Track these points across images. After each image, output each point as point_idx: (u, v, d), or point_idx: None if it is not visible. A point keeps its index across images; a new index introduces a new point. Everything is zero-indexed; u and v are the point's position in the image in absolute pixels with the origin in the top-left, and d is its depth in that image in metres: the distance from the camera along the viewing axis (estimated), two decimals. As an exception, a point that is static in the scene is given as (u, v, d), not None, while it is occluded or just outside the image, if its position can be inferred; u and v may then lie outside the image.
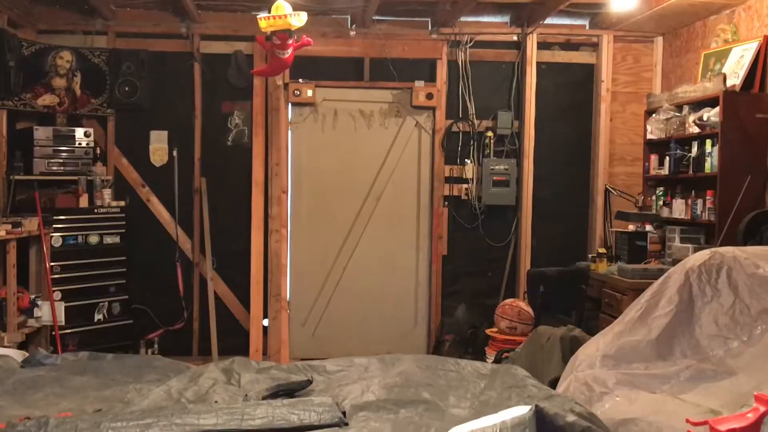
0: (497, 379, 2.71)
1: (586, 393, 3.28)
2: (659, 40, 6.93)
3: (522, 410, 1.87)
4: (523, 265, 6.83)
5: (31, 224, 5.61)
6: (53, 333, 5.76)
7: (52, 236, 5.89)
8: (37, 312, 5.69)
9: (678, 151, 5.85)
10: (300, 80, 6.71)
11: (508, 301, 6.12)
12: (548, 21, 6.69)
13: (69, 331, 5.91)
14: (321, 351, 6.70)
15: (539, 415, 1.84)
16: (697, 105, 5.74)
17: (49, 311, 5.70)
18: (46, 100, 6.33)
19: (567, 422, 1.85)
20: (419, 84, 6.81)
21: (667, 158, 5.99)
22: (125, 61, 6.51)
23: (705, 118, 5.51)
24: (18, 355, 3.84)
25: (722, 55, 5.79)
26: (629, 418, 2.90)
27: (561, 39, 6.98)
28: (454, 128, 6.90)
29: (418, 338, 7.10)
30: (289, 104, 6.83)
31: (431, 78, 6.88)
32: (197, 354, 6.66)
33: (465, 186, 6.92)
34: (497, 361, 5.07)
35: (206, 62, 6.73)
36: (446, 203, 6.94)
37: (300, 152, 6.96)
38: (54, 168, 6.18)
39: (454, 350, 6.51)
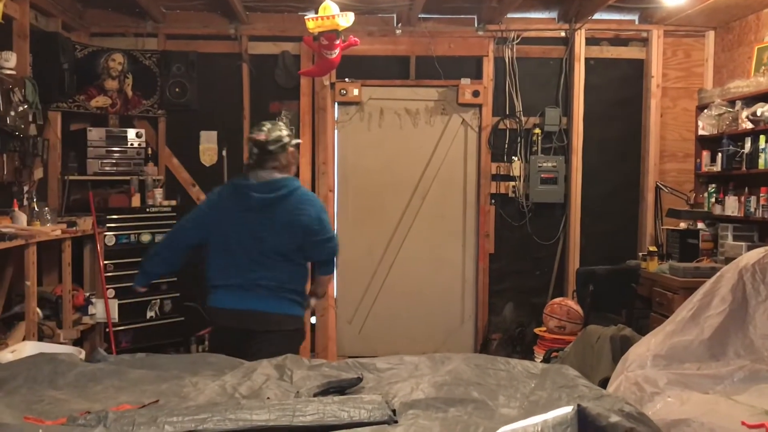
0: (547, 379, 2.69)
1: (636, 393, 3.26)
2: (710, 34, 6.80)
3: (565, 410, 1.86)
4: (572, 263, 6.77)
5: (85, 223, 5.75)
6: (107, 330, 5.89)
7: (105, 235, 6.02)
8: (91, 309, 5.82)
9: (730, 147, 5.75)
10: (346, 80, 6.75)
11: (557, 299, 6.08)
12: (596, 16, 6.61)
13: (122, 328, 6.04)
14: (368, 348, 6.75)
15: (581, 415, 1.82)
16: (751, 100, 5.63)
17: (103, 308, 5.83)
18: (99, 101, 6.48)
19: (609, 423, 1.83)
20: (465, 81, 6.80)
21: (720, 154, 5.90)
22: (175, 62, 6.62)
23: (758, 114, 5.41)
24: (75, 352, 3.94)
25: (777, 49, 5.67)
26: (681, 418, 2.88)
27: (610, 34, 6.90)
28: (501, 125, 6.86)
29: (465, 337, 7.09)
30: (336, 103, 6.87)
31: (477, 75, 6.86)
32: (246, 351, 6.73)
33: (512, 183, 6.89)
34: (546, 360, 5.04)
35: (254, 63, 6.81)
36: (493, 201, 6.92)
37: (346, 151, 7.00)
38: (107, 168, 6.32)
39: (502, 349, 6.50)
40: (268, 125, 3.75)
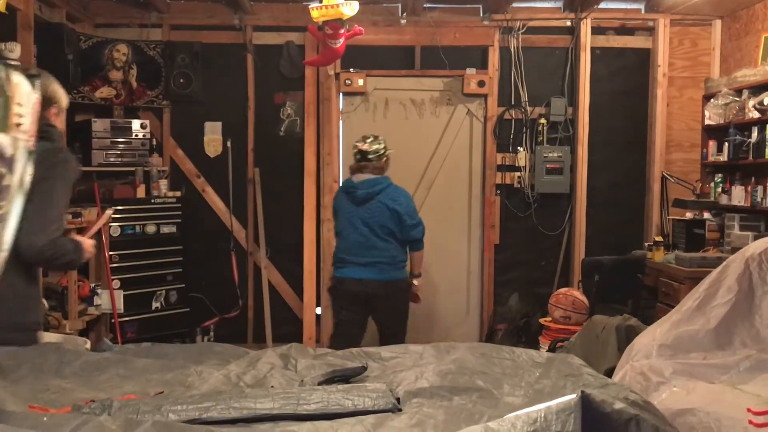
0: (552, 368, 2.68)
1: (642, 383, 3.25)
2: (717, 23, 6.76)
3: (569, 397, 1.85)
4: (578, 253, 6.76)
5: (90, 214, 5.75)
6: (112, 320, 5.91)
7: (110, 226, 6.03)
8: (96, 300, 5.83)
9: (737, 137, 5.73)
10: (351, 70, 6.74)
11: (562, 290, 6.07)
12: (602, 5, 6.59)
13: (128, 318, 6.06)
14: (373, 339, 6.74)
15: (585, 401, 1.81)
16: (758, 89, 5.61)
17: (109, 299, 5.85)
18: (104, 92, 6.48)
19: (614, 409, 1.82)
20: (471, 72, 6.78)
21: (726, 144, 5.87)
22: (180, 53, 6.62)
23: (765, 103, 5.38)
24: (81, 342, 3.94)
25: (784, 38, 5.63)
26: (687, 408, 2.87)
27: (616, 24, 6.87)
28: (507, 116, 6.85)
29: (470, 327, 7.09)
30: (341, 94, 6.86)
31: (483, 65, 6.84)
32: (252, 341, 6.76)
33: (517, 174, 6.87)
34: (551, 350, 5.03)
35: (258, 53, 6.80)
36: (498, 192, 6.90)
37: (351, 142, 6.96)
38: (112, 159, 6.32)
39: (507, 340, 6.49)
40: (370, 139, 4.91)
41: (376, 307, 4.91)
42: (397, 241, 4.86)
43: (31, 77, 2.38)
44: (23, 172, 2.31)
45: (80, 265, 3.37)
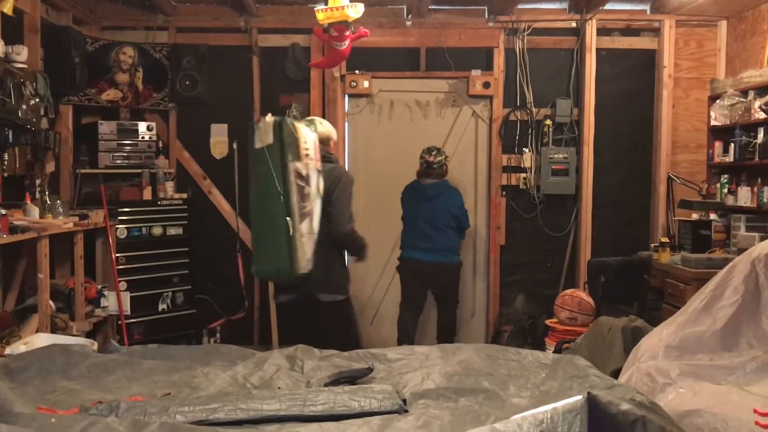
0: (559, 369, 2.69)
1: (648, 384, 3.24)
2: (723, 24, 6.75)
3: (575, 398, 1.86)
4: (583, 254, 6.75)
5: (97, 216, 5.78)
6: (119, 322, 5.92)
7: (117, 228, 6.05)
8: (103, 302, 5.85)
9: (743, 138, 5.71)
10: (357, 72, 6.74)
11: (568, 291, 6.06)
12: (608, 6, 6.58)
13: (134, 320, 6.07)
14: (378, 341, 6.75)
15: (592, 402, 1.82)
16: (763, 90, 5.59)
17: (115, 301, 5.87)
18: (110, 95, 6.50)
19: (620, 410, 1.82)
20: (476, 73, 6.78)
21: (732, 145, 5.85)
22: (186, 55, 6.63)
23: (772, 104, 5.36)
24: (88, 344, 3.96)
25: (790, 38, 5.62)
26: (693, 409, 2.86)
27: (621, 25, 6.86)
28: (512, 117, 6.84)
29: (476, 329, 7.08)
30: (346, 96, 6.87)
31: (488, 67, 6.84)
32: (258, 343, 6.76)
33: (523, 175, 6.87)
34: (557, 351, 5.02)
35: (264, 55, 6.81)
36: (504, 193, 6.90)
37: (357, 143, 7.00)
38: (118, 161, 6.34)
39: (513, 341, 6.48)
40: (434, 152, 6.06)
41: (433, 282, 6.12)
42: (453, 230, 6.07)
43: (309, 123, 4.26)
44: (317, 183, 4.06)
45: (365, 259, 4.61)
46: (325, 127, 4.51)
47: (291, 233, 3.85)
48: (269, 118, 3.99)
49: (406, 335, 6.12)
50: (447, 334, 6.20)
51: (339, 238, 4.28)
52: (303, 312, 4.24)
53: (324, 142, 4.38)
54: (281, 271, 4.00)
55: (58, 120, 6.04)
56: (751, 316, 3.47)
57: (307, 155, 3.99)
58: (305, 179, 3.95)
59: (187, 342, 6.28)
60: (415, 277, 6.08)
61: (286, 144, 3.91)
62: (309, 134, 4.07)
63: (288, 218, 3.85)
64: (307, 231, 3.94)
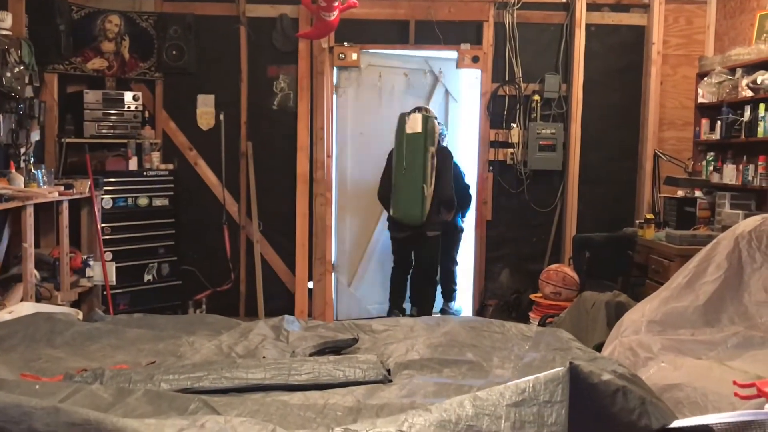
0: (542, 342, 2.72)
1: (630, 358, 3.28)
2: (712, 1, 6.72)
3: (558, 368, 1.88)
4: (569, 230, 6.78)
5: (82, 186, 5.74)
6: (104, 292, 5.91)
7: (102, 198, 6.02)
8: (89, 272, 5.82)
9: (730, 116, 5.73)
10: (345, 44, 6.69)
11: (553, 266, 6.09)
12: (598, -18, 6.55)
13: (120, 291, 6.06)
14: (365, 313, 6.78)
15: (573, 372, 1.83)
16: (751, 68, 5.60)
17: (101, 271, 5.84)
18: (96, 63, 6.43)
19: (602, 381, 1.84)
20: (465, 47, 6.74)
21: (719, 122, 5.87)
22: (172, 24, 6.56)
23: (759, 82, 5.37)
24: (73, 313, 3.95)
25: (779, 16, 5.62)
26: (674, 383, 2.89)
27: (611, 0, 6.83)
28: (500, 92, 6.83)
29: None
30: (334, 68, 6.82)
31: (477, 41, 6.80)
32: (244, 315, 6.77)
33: (510, 150, 6.87)
34: (541, 326, 5.06)
35: (252, 26, 6.74)
36: (491, 168, 6.90)
37: (345, 116, 6.96)
38: (104, 131, 6.29)
39: (498, 315, 6.52)
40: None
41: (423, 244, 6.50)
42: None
43: (434, 118, 6.21)
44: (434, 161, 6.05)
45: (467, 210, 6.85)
46: (433, 122, 6.15)
47: (425, 194, 5.95)
48: (418, 113, 6.09)
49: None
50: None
51: (445, 198, 6.14)
52: (412, 243, 6.29)
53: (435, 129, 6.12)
54: (415, 216, 6.02)
55: (43, 88, 5.98)
56: (733, 292, 3.51)
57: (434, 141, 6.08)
58: (433, 158, 6.04)
59: (173, 313, 6.28)
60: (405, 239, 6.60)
61: (428, 134, 6.01)
62: (437, 127, 6.14)
63: (423, 185, 5.95)
64: (428, 194, 5.99)
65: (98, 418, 1.74)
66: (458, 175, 6.51)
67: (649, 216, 6.21)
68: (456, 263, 7.01)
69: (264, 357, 2.62)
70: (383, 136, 6.81)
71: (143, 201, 6.27)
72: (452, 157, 6.26)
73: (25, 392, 2.05)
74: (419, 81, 7.03)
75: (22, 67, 5.14)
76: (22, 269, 4.81)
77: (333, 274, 6.88)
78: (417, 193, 5.97)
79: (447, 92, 7.03)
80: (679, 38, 6.83)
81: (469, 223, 7.02)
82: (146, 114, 6.62)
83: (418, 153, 5.97)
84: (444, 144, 6.43)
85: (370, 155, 6.88)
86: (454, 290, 7.05)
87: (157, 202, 6.37)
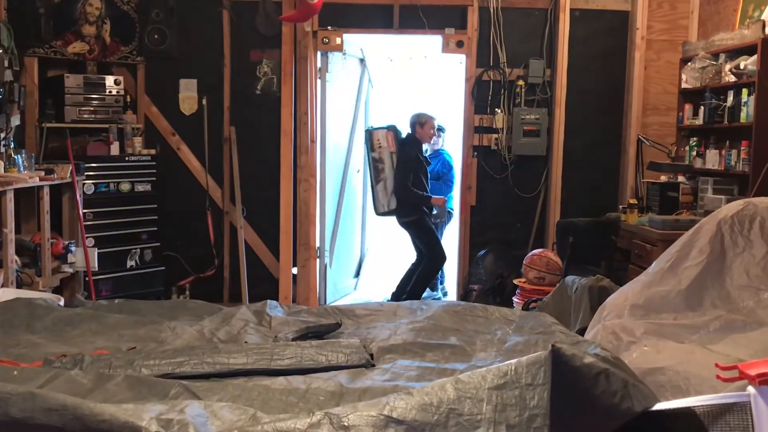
0: (525, 326, 2.72)
1: (613, 342, 3.28)
2: (697, -14, 6.74)
3: (540, 352, 1.87)
4: (553, 215, 6.79)
5: (63, 171, 5.68)
6: (87, 278, 5.87)
7: (84, 183, 5.96)
8: (70, 258, 5.78)
9: (713, 101, 5.73)
10: (329, 28, 6.65)
11: (537, 251, 6.11)
12: (583, -34, 6.53)
13: (102, 276, 6.02)
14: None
15: (556, 355, 1.83)
16: (734, 53, 5.60)
17: (83, 257, 5.80)
18: (77, 47, 6.35)
19: (584, 363, 1.84)
20: (449, 31, 6.71)
21: (702, 108, 5.88)
22: (154, 8, 6.48)
23: (742, 67, 5.38)
24: (54, 298, 3.92)
25: (762, 2, 5.62)
26: (657, 367, 2.90)
27: (596, -15, 6.83)
28: (485, 77, 6.81)
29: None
30: (318, 52, 6.77)
31: (462, 25, 6.78)
32: (228, 301, 6.74)
33: (495, 136, 6.86)
34: (525, 310, 5.07)
35: (234, 10, 6.68)
36: (475, 153, 6.89)
37: (329, 100, 6.92)
38: (85, 116, 6.22)
39: (482, 300, 6.53)
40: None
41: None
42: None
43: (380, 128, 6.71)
44: (390, 161, 6.54)
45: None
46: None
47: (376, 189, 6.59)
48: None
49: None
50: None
51: (400, 196, 6.46)
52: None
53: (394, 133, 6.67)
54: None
55: (22, 72, 5.91)
56: (715, 276, 3.51)
57: (380, 146, 6.60)
58: (380, 161, 6.59)
59: (156, 299, 6.25)
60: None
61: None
62: (381, 131, 6.64)
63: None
64: (381, 189, 6.55)
65: (75, 403, 1.72)
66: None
67: (633, 201, 6.23)
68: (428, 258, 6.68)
69: (246, 342, 2.60)
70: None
71: (125, 186, 6.22)
72: (410, 149, 6.45)
73: (2, 378, 2.02)
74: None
75: (1, 51, 5.08)
76: (2, 255, 4.76)
77: (317, 259, 6.87)
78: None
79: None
80: (663, 23, 6.84)
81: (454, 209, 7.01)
82: (128, 98, 6.56)
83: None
84: (402, 137, 6.58)
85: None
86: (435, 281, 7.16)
87: (140, 188, 6.32)
